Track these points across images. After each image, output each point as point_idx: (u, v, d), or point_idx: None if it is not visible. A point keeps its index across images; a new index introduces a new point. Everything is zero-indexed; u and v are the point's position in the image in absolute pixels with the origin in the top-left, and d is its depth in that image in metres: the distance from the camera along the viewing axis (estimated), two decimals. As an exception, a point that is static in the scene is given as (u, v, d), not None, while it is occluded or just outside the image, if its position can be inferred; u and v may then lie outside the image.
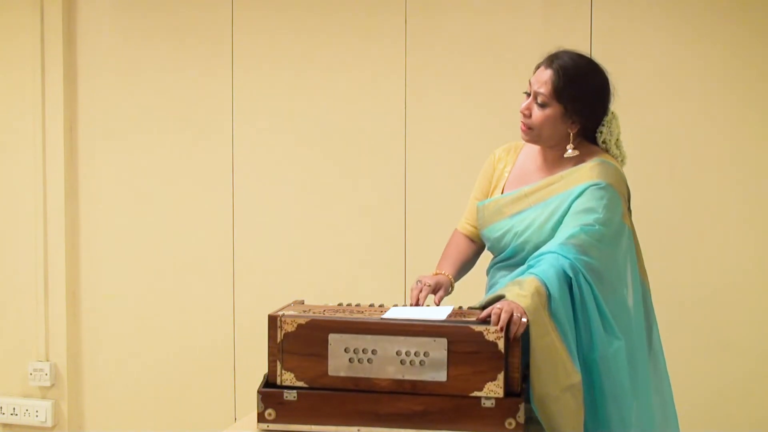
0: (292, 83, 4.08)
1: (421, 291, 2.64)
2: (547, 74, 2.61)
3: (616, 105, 2.72)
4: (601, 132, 2.67)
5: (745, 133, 3.64)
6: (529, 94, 2.65)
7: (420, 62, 3.93)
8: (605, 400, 2.44)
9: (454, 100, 3.90)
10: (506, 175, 2.75)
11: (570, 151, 2.63)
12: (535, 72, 2.66)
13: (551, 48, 2.70)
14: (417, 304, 2.61)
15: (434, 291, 2.67)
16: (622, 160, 2.70)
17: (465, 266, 2.82)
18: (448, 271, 2.75)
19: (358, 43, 4.00)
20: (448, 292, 2.71)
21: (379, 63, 3.97)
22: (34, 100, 4.32)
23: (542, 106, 2.61)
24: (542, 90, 2.61)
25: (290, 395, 2.33)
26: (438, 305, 2.60)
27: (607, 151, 2.67)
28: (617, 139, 2.70)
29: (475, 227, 2.80)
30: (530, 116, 2.62)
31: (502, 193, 2.73)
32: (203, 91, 4.18)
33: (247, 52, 4.12)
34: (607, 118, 2.67)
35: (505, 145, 2.83)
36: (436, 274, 2.74)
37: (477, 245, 2.84)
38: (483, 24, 3.85)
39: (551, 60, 2.64)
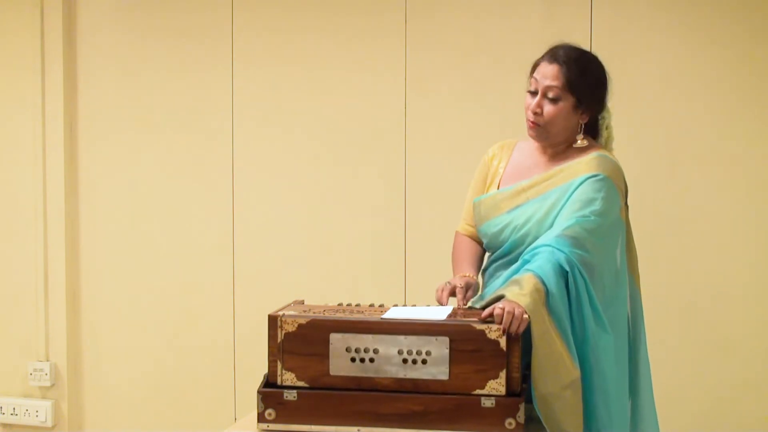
0: (292, 83, 4.08)
1: (443, 290, 2.60)
2: (554, 68, 2.58)
3: (615, 102, 2.72)
4: (603, 118, 2.68)
5: (745, 132, 3.64)
6: (533, 93, 2.60)
7: (420, 62, 3.93)
8: (594, 394, 2.43)
9: (454, 100, 3.89)
10: (501, 171, 2.73)
11: (579, 142, 2.62)
12: (534, 69, 2.62)
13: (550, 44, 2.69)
14: (442, 304, 2.58)
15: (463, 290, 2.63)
16: (611, 150, 2.70)
17: (479, 266, 2.78)
18: (469, 272, 2.72)
19: (358, 43, 4.00)
20: (475, 292, 2.66)
21: (379, 63, 3.97)
22: (34, 100, 4.32)
23: (554, 100, 2.57)
24: (554, 83, 2.57)
25: (290, 395, 2.33)
26: (466, 304, 2.56)
27: (605, 144, 2.68)
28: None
29: (474, 227, 2.77)
30: (542, 113, 2.59)
31: (498, 188, 2.70)
32: (203, 90, 4.18)
33: (247, 52, 4.12)
34: (607, 107, 2.69)
35: (499, 143, 2.80)
36: (462, 276, 2.70)
37: (481, 245, 2.80)
38: (483, 24, 3.85)
39: (554, 54, 2.60)
